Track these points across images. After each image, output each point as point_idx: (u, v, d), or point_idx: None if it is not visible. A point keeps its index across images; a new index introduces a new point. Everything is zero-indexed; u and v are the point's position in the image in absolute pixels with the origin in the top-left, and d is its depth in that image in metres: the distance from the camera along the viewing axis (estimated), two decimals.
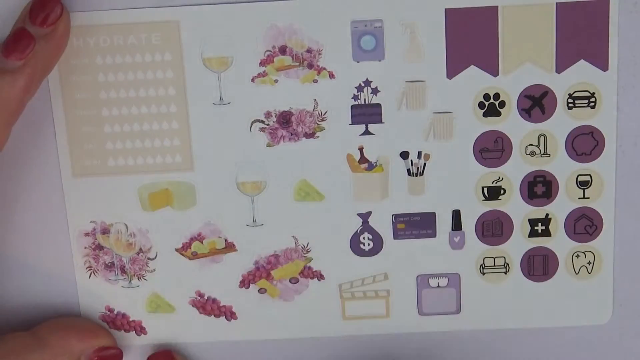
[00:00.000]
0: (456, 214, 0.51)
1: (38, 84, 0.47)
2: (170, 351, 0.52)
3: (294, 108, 0.50)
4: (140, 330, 0.53)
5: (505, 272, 0.52)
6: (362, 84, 0.49)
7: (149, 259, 0.52)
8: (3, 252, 0.52)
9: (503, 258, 0.51)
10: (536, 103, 0.49)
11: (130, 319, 0.53)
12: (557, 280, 0.52)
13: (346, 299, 0.52)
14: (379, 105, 0.49)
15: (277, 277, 0.52)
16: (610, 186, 0.50)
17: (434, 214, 0.51)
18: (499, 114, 0.49)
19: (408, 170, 0.50)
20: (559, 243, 0.51)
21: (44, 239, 0.52)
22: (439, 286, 0.52)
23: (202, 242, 0.51)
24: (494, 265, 0.52)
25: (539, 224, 0.51)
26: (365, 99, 0.49)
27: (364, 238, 0.51)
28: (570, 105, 0.49)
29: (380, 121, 0.50)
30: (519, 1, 0.48)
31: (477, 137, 0.50)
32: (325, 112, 0.49)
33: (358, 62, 0.49)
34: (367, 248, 0.51)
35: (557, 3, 0.48)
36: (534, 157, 0.50)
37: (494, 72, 0.49)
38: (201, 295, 0.52)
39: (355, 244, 0.51)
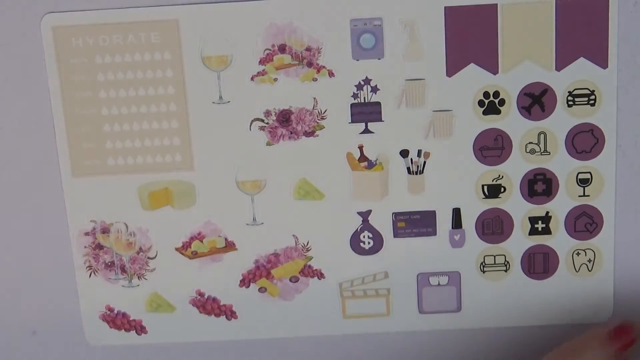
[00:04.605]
0: (456, 212, 0.51)
1: None
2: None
3: (294, 106, 0.49)
4: (140, 329, 0.53)
5: (506, 270, 0.52)
6: (362, 83, 0.49)
7: (149, 258, 0.52)
8: (3, 252, 0.52)
9: (503, 256, 0.51)
10: (536, 101, 0.49)
11: (131, 319, 0.53)
12: (557, 278, 0.52)
13: (346, 297, 0.52)
14: (378, 104, 0.49)
15: (277, 276, 0.52)
16: (611, 184, 0.50)
17: (434, 212, 0.51)
18: (498, 112, 0.49)
19: (408, 168, 0.50)
20: (560, 241, 0.51)
21: (44, 239, 0.52)
22: (439, 284, 0.52)
23: (202, 241, 0.51)
24: (495, 264, 0.51)
25: (539, 221, 0.51)
26: (364, 98, 0.49)
27: (364, 236, 0.51)
28: (570, 103, 0.49)
29: (380, 119, 0.50)
30: None
31: (477, 135, 0.50)
32: (325, 111, 0.49)
33: (357, 60, 0.49)
34: (367, 246, 0.51)
35: (556, 1, 0.48)
36: (534, 155, 0.50)
37: (494, 70, 0.49)
38: (201, 294, 0.52)
39: (355, 243, 0.51)
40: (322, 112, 0.49)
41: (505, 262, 0.52)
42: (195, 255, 0.52)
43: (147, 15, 0.48)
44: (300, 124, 0.50)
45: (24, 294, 0.53)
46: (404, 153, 0.50)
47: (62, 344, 0.54)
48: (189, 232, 0.51)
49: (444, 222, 0.51)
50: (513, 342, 0.53)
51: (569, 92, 0.49)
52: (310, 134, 0.50)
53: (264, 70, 0.49)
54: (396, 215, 0.51)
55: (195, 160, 0.50)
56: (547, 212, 0.51)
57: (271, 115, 0.50)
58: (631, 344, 0.48)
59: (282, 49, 0.49)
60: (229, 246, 0.52)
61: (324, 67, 0.49)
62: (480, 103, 0.49)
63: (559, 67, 0.48)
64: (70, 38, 0.48)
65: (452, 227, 0.51)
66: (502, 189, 0.50)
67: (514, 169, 0.50)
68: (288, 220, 0.51)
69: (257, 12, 0.48)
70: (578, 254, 0.51)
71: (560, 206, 0.51)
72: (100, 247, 0.52)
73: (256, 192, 0.51)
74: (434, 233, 0.51)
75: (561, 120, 0.49)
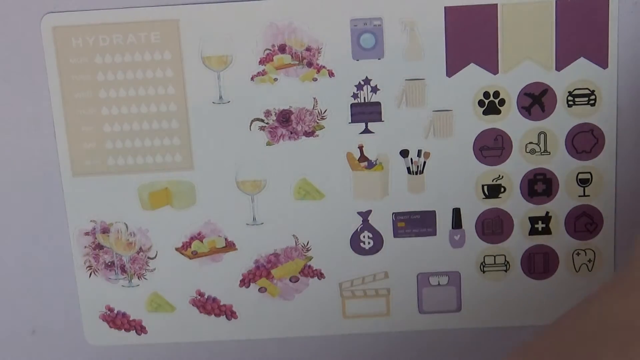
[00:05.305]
0: (456, 212, 0.51)
1: None
2: None
3: (294, 106, 0.49)
4: (140, 329, 0.53)
5: (506, 270, 0.52)
6: (362, 82, 0.49)
7: (149, 258, 0.52)
8: (3, 252, 0.52)
9: (503, 256, 0.51)
10: (536, 101, 0.49)
11: (131, 319, 0.53)
12: (557, 278, 0.52)
13: (346, 297, 0.52)
14: (378, 104, 0.49)
15: (277, 276, 0.52)
16: (611, 184, 0.50)
17: (434, 212, 0.51)
18: (498, 112, 0.49)
19: (408, 168, 0.50)
20: (560, 241, 0.51)
21: (44, 239, 0.52)
22: (439, 284, 0.52)
23: (202, 241, 0.51)
24: (494, 264, 0.51)
25: (539, 221, 0.51)
26: (364, 98, 0.49)
27: (364, 236, 0.51)
28: (570, 102, 0.49)
29: (380, 119, 0.50)
30: None
31: (477, 135, 0.50)
32: (325, 111, 0.49)
33: (357, 60, 0.49)
34: (367, 246, 0.51)
35: (556, 1, 0.48)
36: (534, 155, 0.50)
37: (494, 70, 0.49)
38: (201, 294, 0.52)
39: (355, 243, 0.51)
40: (322, 112, 0.49)
41: (505, 262, 0.52)
42: (195, 255, 0.52)
43: (147, 15, 0.48)
44: (300, 124, 0.50)
45: (23, 293, 0.53)
46: (404, 153, 0.50)
47: (62, 344, 0.54)
48: (189, 232, 0.51)
49: (444, 222, 0.51)
50: (513, 342, 0.52)
51: (569, 92, 0.49)
52: (310, 134, 0.50)
53: (264, 70, 0.49)
54: (396, 215, 0.51)
55: (195, 160, 0.50)
56: (547, 212, 0.51)
57: (271, 115, 0.50)
58: None
59: (282, 49, 0.49)
60: (229, 246, 0.52)
61: (324, 67, 0.49)
62: (480, 103, 0.49)
63: (559, 67, 0.48)
64: (70, 38, 0.48)
65: (452, 227, 0.51)
66: (502, 189, 0.50)
67: (514, 169, 0.50)
68: (288, 220, 0.51)
69: (257, 12, 0.48)
70: (578, 254, 0.51)
71: (560, 206, 0.51)
72: (100, 247, 0.52)
73: (256, 192, 0.51)
74: (434, 233, 0.51)
75: (561, 120, 0.49)
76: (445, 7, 0.48)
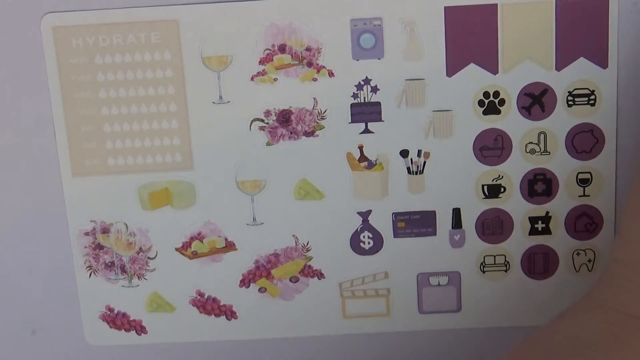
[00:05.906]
0: (456, 212, 0.51)
1: None
2: None
3: (294, 107, 0.50)
4: (140, 329, 0.53)
5: (506, 270, 0.52)
6: (362, 83, 0.49)
7: (149, 258, 0.52)
8: (3, 253, 0.52)
9: (503, 256, 0.51)
10: (536, 101, 0.49)
11: (131, 319, 0.53)
12: (557, 278, 0.52)
13: (346, 297, 0.52)
14: (378, 104, 0.49)
15: (277, 276, 0.52)
16: (611, 184, 0.50)
17: (434, 212, 0.51)
18: (498, 112, 0.49)
19: (408, 168, 0.50)
20: (560, 241, 0.51)
21: (44, 239, 0.52)
22: (439, 284, 0.52)
23: (202, 241, 0.51)
24: (495, 264, 0.51)
25: (539, 222, 0.51)
26: (364, 98, 0.49)
27: (364, 236, 0.51)
28: (570, 102, 0.49)
29: (380, 119, 0.50)
30: None
31: (477, 135, 0.50)
32: (325, 111, 0.49)
33: (357, 60, 0.49)
34: (367, 247, 0.51)
35: (556, 1, 0.48)
36: (534, 155, 0.50)
37: (494, 70, 0.49)
38: (201, 294, 0.52)
39: (355, 243, 0.51)
40: (322, 112, 0.49)
41: (505, 262, 0.52)
42: (195, 255, 0.52)
43: (147, 15, 0.48)
44: (300, 124, 0.50)
45: (23, 293, 0.53)
46: (404, 153, 0.50)
47: (62, 344, 0.54)
48: (189, 232, 0.51)
49: (444, 222, 0.51)
50: (513, 342, 0.52)
51: (569, 92, 0.49)
52: (310, 134, 0.50)
53: (264, 70, 0.49)
54: (396, 215, 0.51)
55: (195, 160, 0.50)
56: (547, 212, 0.51)
57: (271, 115, 0.50)
58: None
59: (282, 49, 0.49)
60: (229, 246, 0.52)
61: (324, 67, 0.49)
62: (480, 103, 0.49)
63: (559, 66, 0.49)
64: (70, 38, 0.48)
65: (452, 227, 0.51)
66: (502, 189, 0.50)
67: (514, 169, 0.50)
68: (288, 220, 0.51)
69: (257, 12, 0.48)
70: (578, 254, 0.51)
71: (560, 206, 0.51)
72: (100, 247, 0.52)
73: (256, 192, 0.51)
74: (434, 233, 0.51)
75: (561, 120, 0.49)
76: (445, 7, 0.48)
